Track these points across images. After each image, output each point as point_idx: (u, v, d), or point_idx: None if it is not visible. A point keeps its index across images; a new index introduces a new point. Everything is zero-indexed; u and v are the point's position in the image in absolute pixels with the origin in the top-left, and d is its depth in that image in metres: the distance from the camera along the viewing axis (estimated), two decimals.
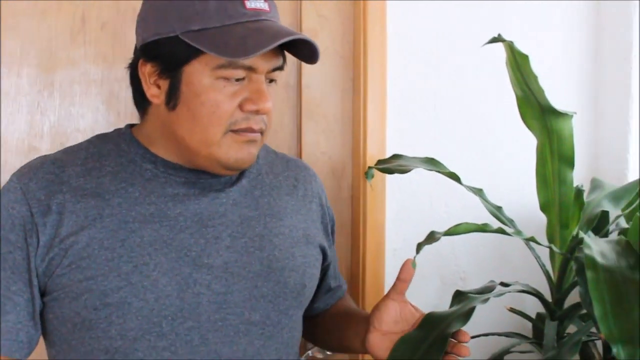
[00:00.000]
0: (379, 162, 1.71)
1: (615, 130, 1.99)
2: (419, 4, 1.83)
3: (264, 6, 1.14)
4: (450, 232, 1.26)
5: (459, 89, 1.90)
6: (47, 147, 1.57)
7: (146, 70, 1.15)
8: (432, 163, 1.63)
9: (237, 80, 1.13)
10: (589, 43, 2.05)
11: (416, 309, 1.32)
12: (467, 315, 1.33)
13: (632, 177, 1.94)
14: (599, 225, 1.59)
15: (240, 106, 1.13)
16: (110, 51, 1.62)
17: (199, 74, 1.12)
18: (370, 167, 1.72)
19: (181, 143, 1.16)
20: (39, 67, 1.56)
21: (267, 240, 1.23)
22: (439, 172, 1.57)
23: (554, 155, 1.42)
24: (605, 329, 1.03)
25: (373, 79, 1.78)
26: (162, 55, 1.13)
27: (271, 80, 1.18)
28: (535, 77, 1.32)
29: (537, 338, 1.66)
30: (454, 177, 1.56)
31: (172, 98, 1.14)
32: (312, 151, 1.80)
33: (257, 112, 1.14)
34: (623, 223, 1.53)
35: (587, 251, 1.12)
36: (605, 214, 1.59)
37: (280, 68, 1.18)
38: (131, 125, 1.26)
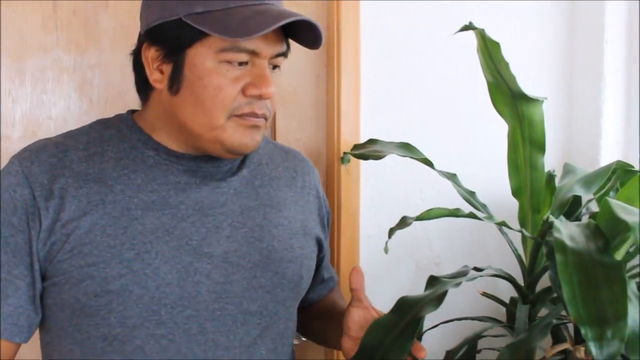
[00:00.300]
0: (355, 147, 1.72)
1: (588, 116, 2.00)
2: None
3: None
4: (422, 217, 1.27)
5: (432, 74, 1.90)
6: (19, 135, 1.55)
7: (149, 55, 1.15)
8: (406, 148, 1.64)
9: (240, 64, 1.13)
10: (562, 30, 2.06)
11: (379, 312, 1.32)
12: (439, 299, 1.34)
13: (604, 162, 1.95)
14: (571, 209, 1.61)
15: (243, 91, 1.13)
16: (82, 38, 1.60)
17: (203, 57, 1.12)
18: (345, 153, 1.72)
19: (184, 128, 1.16)
20: (9, 54, 1.54)
21: (267, 231, 1.24)
22: (412, 157, 1.58)
23: (525, 140, 1.43)
24: (573, 311, 1.03)
25: (346, 65, 1.78)
26: (166, 39, 1.13)
27: (275, 67, 1.18)
28: (507, 64, 1.33)
29: (511, 322, 1.67)
30: (427, 162, 1.57)
31: (175, 82, 1.14)
32: (286, 137, 1.80)
33: (259, 97, 1.14)
34: (594, 207, 1.55)
35: (556, 235, 1.13)
36: (577, 199, 1.61)
37: (284, 54, 1.18)
38: (132, 111, 1.26)
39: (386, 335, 1.27)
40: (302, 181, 1.37)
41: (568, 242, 1.12)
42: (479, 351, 1.66)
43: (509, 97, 1.39)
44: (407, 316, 1.29)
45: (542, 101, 1.38)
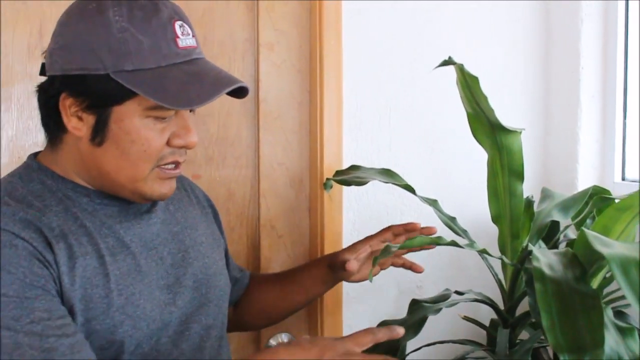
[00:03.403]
0: (337, 172, 1.74)
1: (565, 141, 2.04)
2: (373, 19, 1.86)
3: (193, 42, 1.14)
4: (405, 246, 1.29)
5: (413, 101, 1.93)
6: (5, 161, 1.56)
7: (67, 103, 1.11)
8: (388, 174, 1.66)
9: (165, 117, 1.13)
10: (539, 56, 2.10)
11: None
12: (419, 325, 1.38)
13: (581, 187, 1.99)
14: (550, 234, 1.64)
15: (168, 141, 1.14)
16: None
17: (131, 113, 1.10)
18: (328, 179, 1.75)
19: (106, 177, 1.15)
20: None
21: (196, 251, 1.30)
22: (394, 184, 1.60)
23: (504, 169, 1.47)
24: (552, 339, 1.07)
25: (329, 92, 1.81)
26: (90, 92, 1.10)
27: (191, 110, 1.18)
28: (485, 98, 1.36)
29: (491, 345, 1.70)
30: (409, 188, 1.60)
31: (99, 134, 1.12)
32: (270, 162, 1.82)
33: (184, 147, 1.17)
34: (571, 234, 1.58)
35: (535, 263, 1.16)
36: (555, 224, 1.64)
37: None
38: (34, 155, 1.22)
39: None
40: (195, 196, 1.43)
41: (547, 271, 1.15)
42: None
43: (488, 128, 1.43)
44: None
45: (520, 132, 1.42)
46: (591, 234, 1.10)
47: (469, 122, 1.46)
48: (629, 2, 1.98)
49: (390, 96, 1.90)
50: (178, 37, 1.12)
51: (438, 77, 1.92)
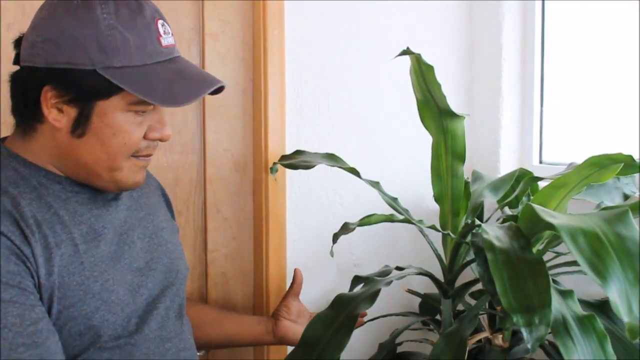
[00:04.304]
0: (283, 157, 1.82)
1: (488, 127, 2.19)
2: (315, 10, 1.95)
3: (172, 41, 1.20)
4: (363, 223, 1.40)
5: (351, 90, 2.04)
6: None
7: (49, 95, 1.13)
8: (332, 159, 1.76)
9: (144, 111, 1.18)
10: (463, 49, 2.25)
11: (306, 309, 1.69)
12: (373, 296, 1.48)
13: (503, 169, 2.16)
14: (480, 213, 1.79)
15: (145, 134, 1.19)
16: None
17: (114, 108, 1.14)
18: (275, 163, 1.82)
19: (83, 166, 1.18)
20: None
21: (160, 236, 1.36)
22: (340, 167, 1.70)
23: (448, 151, 1.59)
24: (505, 302, 1.18)
25: (272, 80, 1.88)
26: (76, 87, 1.12)
27: None
28: (439, 85, 1.48)
29: (425, 315, 1.84)
30: (354, 172, 1.69)
31: (80, 127, 1.15)
32: (216, 148, 1.88)
33: (160, 139, 1.22)
34: (508, 211, 1.72)
35: (485, 236, 1.28)
36: (481, 203, 1.78)
37: None
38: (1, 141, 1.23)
39: (326, 329, 1.40)
40: (151, 185, 1.47)
41: (495, 242, 1.28)
42: (400, 343, 1.81)
43: (436, 113, 1.55)
44: (344, 312, 1.42)
45: (464, 117, 1.54)
46: (539, 208, 1.23)
47: (418, 108, 1.57)
48: (545, 0, 2.15)
49: (330, 84, 2.00)
50: (161, 35, 1.17)
51: (375, 66, 2.05)
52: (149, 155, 1.23)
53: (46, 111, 1.14)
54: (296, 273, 1.70)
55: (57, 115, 1.14)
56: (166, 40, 1.18)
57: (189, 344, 1.37)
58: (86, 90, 1.12)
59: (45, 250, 1.11)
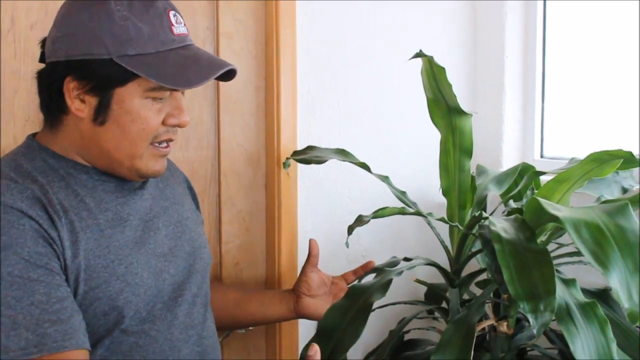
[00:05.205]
0: (295, 153, 1.89)
1: (491, 123, 2.26)
2: (326, 8, 2.01)
3: (185, 30, 1.27)
4: (377, 215, 1.47)
5: (360, 87, 2.11)
6: None
7: (71, 86, 1.21)
8: (343, 154, 1.83)
9: (162, 98, 1.24)
10: (468, 49, 2.33)
11: (326, 275, 1.69)
12: (385, 286, 1.56)
13: (505, 163, 2.23)
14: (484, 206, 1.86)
15: (163, 121, 1.26)
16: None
17: (131, 95, 1.21)
18: (288, 158, 1.89)
19: (106, 154, 1.25)
20: None
21: (184, 225, 1.42)
22: (351, 162, 1.77)
23: (456, 147, 1.66)
24: (512, 290, 1.26)
25: (285, 77, 1.94)
26: (94, 76, 1.19)
27: (183, 92, 1.31)
28: (450, 85, 1.55)
29: (432, 303, 1.92)
30: (364, 166, 1.76)
31: (101, 114, 1.22)
32: (230, 143, 1.95)
33: (178, 125, 1.28)
34: (512, 204, 1.80)
35: (493, 228, 1.36)
36: (486, 196, 1.86)
37: None
38: (32, 136, 1.31)
39: (342, 318, 1.48)
40: (177, 177, 1.55)
41: (503, 234, 1.35)
42: (408, 331, 1.88)
43: (445, 111, 1.62)
44: (359, 301, 1.50)
45: (472, 115, 1.62)
46: (544, 201, 1.30)
47: (428, 106, 1.65)
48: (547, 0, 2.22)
49: (340, 82, 2.07)
50: (173, 25, 1.24)
51: (383, 64, 2.12)
52: (168, 144, 1.30)
53: (69, 102, 1.22)
54: (312, 245, 1.69)
55: (79, 105, 1.22)
56: (178, 29, 1.24)
57: (212, 331, 1.44)
58: (104, 78, 1.20)
59: (71, 234, 1.18)
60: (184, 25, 1.28)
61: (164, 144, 1.30)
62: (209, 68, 1.24)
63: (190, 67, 1.22)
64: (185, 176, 1.61)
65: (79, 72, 1.20)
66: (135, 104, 1.22)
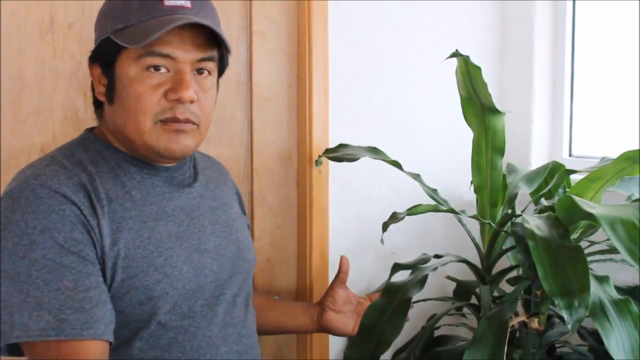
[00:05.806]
0: (328, 150, 1.92)
1: (520, 122, 2.27)
2: (358, 8, 2.04)
3: (185, 3, 1.23)
4: (412, 212, 1.49)
5: (390, 85, 2.13)
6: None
7: (95, 73, 1.29)
8: (375, 152, 1.85)
9: (158, 70, 1.22)
10: (498, 49, 2.34)
11: (353, 294, 1.70)
12: (422, 282, 1.58)
13: (534, 162, 2.24)
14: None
15: (165, 95, 1.23)
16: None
17: (126, 67, 1.23)
18: (320, 156, 1.92)
19: (122, 135, 1.28)
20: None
21: (230, 226, 1.44)
22: (383, 160, 1.79)
23: (489, 146, 1.68)
24: (547, 286, 1.28)
25: (317, 76, 1.97)
26: (101, 56, 1.27)
27: (202, 72, 1.28)
28: (485, 85, 1.58)
29: (462, 300, 1.94)
30: (397, 164, 1.78)
31: (110, 93, 1.27)
32: (262, 141, 1.98)
33: (178, 101, 1.23)
34: (544, 201, 1.81)
35: (526, 225, 1.38)
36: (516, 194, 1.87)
37: (210, 59, 1.28)
38: (90, 130, 1.36)
39: (381, 316, 1.51)
40: (228, 180, 1.58)
41: (536, 231, 1.37)
42: (438, 327, 1.90)
43: (478, 110, 1.64)
44: (397, 298, 1.53)
45: (505, 113, 1.64)
46: (578, 199, 1.32)
47: (462, 105, 1.67)
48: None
49: (371, 80, 2.09)
50: None
51: (414, 63, 2.14)
52: (176, 120, 1.25)
53: (96, 88, 1.30)
54: (342, 261, 1.70)
55: (102, 89, 1.29)
56: (171, 2, 1.23)
57: (251, 331, 1.45)
58: (105, 56, 1.26)
59: (112, 223, 1.22)
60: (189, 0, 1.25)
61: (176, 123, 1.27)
62: (164, 23, 1.19)
63: (154, 28, 1.19)
64: (235, 183, 1.63)
65: (94, 57, 1.29)
66: (130, 76, 1.23)
